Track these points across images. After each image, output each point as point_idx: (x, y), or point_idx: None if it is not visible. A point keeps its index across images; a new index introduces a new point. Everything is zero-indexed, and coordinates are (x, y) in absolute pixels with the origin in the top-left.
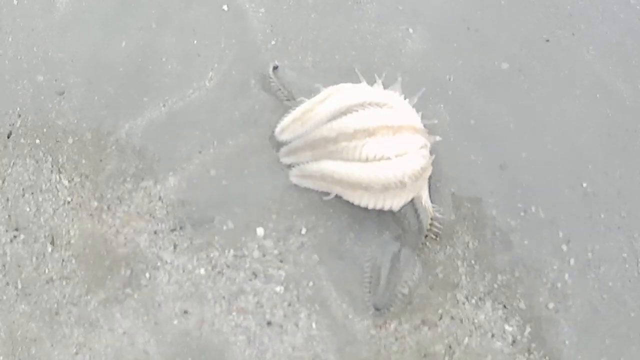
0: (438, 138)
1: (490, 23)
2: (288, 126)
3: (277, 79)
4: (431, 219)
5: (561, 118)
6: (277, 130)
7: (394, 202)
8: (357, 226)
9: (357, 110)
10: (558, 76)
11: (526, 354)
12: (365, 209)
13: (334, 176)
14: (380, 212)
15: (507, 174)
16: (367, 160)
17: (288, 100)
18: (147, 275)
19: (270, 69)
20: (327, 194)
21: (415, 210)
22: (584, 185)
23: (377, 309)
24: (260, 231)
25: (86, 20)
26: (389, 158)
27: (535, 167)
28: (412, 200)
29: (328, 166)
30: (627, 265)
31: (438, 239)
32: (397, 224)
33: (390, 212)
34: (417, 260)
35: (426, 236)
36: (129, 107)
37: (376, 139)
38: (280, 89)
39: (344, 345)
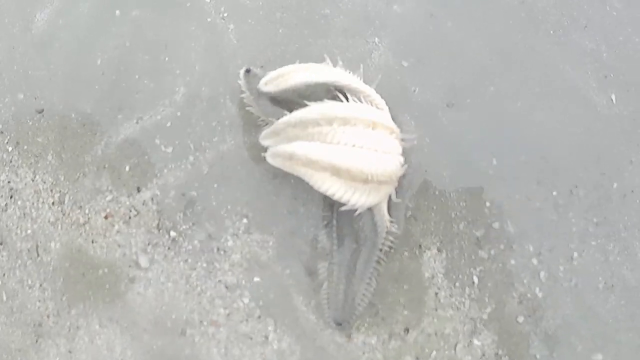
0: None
1: (460, 33)
2: (272, 79)
3: (246, 82)
4: (386, 232)
5: (533, 128)
6: (262, 82)
7: (361, 199)
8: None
9: (351, 99)
10: (531, 86)
11: None
12: (329, 221)
13: (311, 157)
14: (339, 225)
15: (476, 186)
16: (353, 146)
17: (250, 106)
18: (124, 287)
19: (242, 72)
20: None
21: (374, 223)
22: (555, 197)
23: (338, 324)
24: (230, 244)
25: (63, 38)
26: (375, 150)
27: (506, 179)
28: (371, 211)
29: (307, 145)
30: (599, 277)
31: (392, 251)
32: (353, 237)
33: (349, 225)
34: (373, 274)
35: (380, 249)
36: (104, 124)
37: (369, 131)
38: (245, 93)
39: (313, 357)
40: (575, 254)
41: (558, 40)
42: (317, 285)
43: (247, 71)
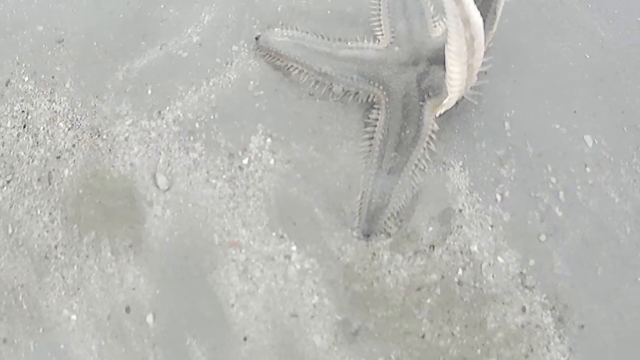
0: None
1: None
2: None
3: (263, 46)
4: (430, 137)
5: (546, 56)
6: None
7: (461, 85)
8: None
9: None
10: (543, 19)
11: (520, 287)
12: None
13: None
14: (384, 137)
15: (495, 106)
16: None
17: (279, 60)
18: (141, 211)
19: (255, 39)
20: None
21: (418, 131)
22: (571, 119)
23: (366, 236)
24: (254, 163)
25: None
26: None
27: (523, 101)
28: (421, 115)
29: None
30: (616, 200)
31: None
32: (394, 147)
33: (394, 134)
34: (407, 184)
35: (418, 160)
36: (126, 51)
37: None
38: (267, 55)
39: (337, 277)
40: (591, 177)
41: None
42: (344, 202)
43: (257, 38)
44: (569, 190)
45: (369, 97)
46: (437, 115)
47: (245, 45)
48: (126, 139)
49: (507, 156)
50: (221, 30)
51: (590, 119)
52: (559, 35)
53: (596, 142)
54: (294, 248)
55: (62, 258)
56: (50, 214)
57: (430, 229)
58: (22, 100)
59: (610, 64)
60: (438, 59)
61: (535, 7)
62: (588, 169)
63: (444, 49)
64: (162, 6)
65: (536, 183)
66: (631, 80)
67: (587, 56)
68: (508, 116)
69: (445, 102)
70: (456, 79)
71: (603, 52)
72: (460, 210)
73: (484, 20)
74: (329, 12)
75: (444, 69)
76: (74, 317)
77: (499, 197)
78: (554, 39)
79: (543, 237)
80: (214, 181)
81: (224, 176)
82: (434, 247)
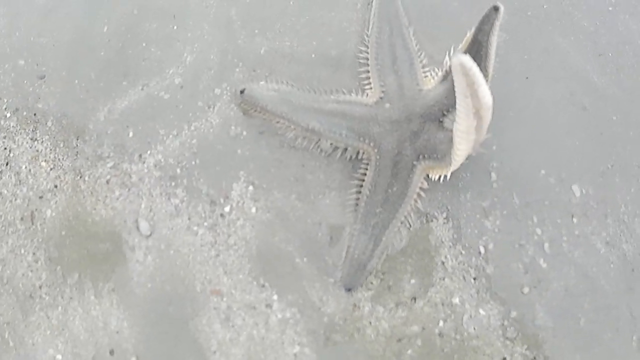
0: None
1: (458, 9)
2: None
3: (248, 100)
4: (418, 195)
5: (535, 104)
6: None
7: (461, 160)
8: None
9: None
10: (533, 64)
11: (501, 339)
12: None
13: (488, 102)
14: (370, 193)
15: (479, 163)
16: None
17: (264, 114)
18: (123, 255)
19: (239, 94)
20: None
21: (404, 190)
22: (558, 169)
23: (348, 290)
24: (235, 211)
25: (69, 5)
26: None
27: (509, 152)
28: (410, 177)
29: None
30: (602, 250)
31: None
32: (379, 204)
33: (381, 192)
34: (389, 241)
35: (401, 221)
36: (108, 91)
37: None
38: (251, 109)
39: (318, 327)
40: (578, 227)
41: (560, 23)
42: (324, 252)
43: (241, 92)
44: (555, 241)
45: (358, 153)
46: (433, 178)
47: (228, 88)
48: (107, 181)
49: (492, 207)
50: (203, 72)
51: (579, 168)
52: (550, 80)
53: (584, 191)
54: (275, 297)
55: (47, 298)
56: (34, 254)
57: (413, 281)
58: (4, 137)
59: (602, 111)
60: (432, 116)
61: (525, 51)
62: (575, 220)
63: (437, 106)
64: (143, 44)
65: (521, 234)
66: (622, 127)
67: (578, 102)
68: (495, 166)
69: (447, 171)
70: (462, 155)
71: (595, 98)
72: (443, 263)
73: None
74: (313, 55)
75: (440, 128)
76: (59, 356)
77: (482, 249)
78: (544, 84)
79: (526, 289)
80: (195, 228)
81: (205, 223)
82: (415, 299)
